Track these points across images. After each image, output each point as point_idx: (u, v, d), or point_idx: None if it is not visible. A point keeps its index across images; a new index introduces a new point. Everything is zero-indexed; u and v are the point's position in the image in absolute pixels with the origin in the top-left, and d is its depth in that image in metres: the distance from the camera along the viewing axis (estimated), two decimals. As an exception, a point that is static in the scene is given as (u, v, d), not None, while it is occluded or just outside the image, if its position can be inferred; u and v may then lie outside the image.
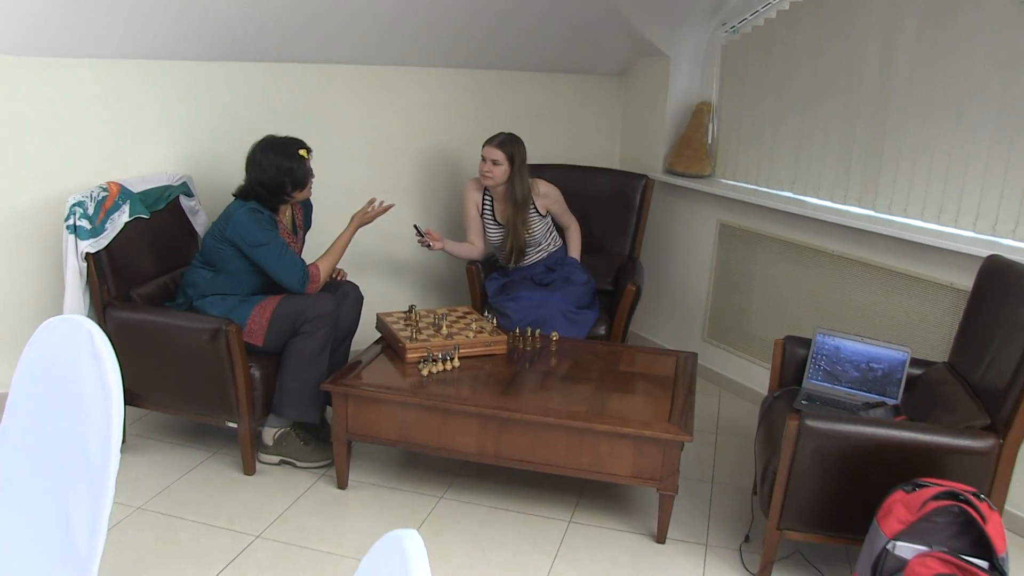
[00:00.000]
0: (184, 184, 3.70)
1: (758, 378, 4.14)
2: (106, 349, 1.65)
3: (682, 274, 4.57)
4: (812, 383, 3.11)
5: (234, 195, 3.33)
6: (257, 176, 3.25)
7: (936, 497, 2.16)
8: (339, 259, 3.47)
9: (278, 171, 3.24)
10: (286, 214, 3.45)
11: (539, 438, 2.93)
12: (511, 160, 3.84)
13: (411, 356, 3.27)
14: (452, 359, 3.26)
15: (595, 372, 3.31)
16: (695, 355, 3.52)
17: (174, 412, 3.40)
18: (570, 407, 2.95)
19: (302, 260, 3.30)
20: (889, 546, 2.19)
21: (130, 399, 3.40)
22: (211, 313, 3.26)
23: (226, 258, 3.28)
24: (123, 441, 3.45)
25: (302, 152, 3.29)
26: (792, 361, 3.19)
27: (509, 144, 3.85)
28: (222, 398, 3.21)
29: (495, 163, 3.84)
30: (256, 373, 3.24)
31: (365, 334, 3.72)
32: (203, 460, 3.42)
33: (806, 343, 3.17)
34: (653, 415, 2.93)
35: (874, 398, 2.98)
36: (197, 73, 3.77)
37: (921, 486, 2.23)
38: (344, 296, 3.46)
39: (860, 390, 3.03)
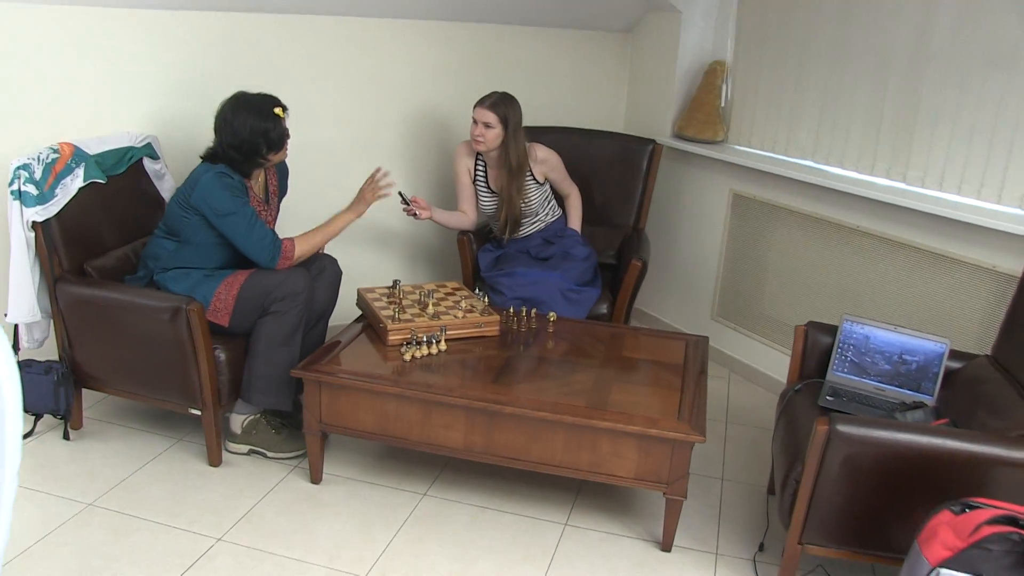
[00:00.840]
0: (148, 145, 3.37)
1: (772, 362, 3.84)
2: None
3: (691, 248, 4.25)
4: (838, 375, 2.80)
5: (202, 158, 3.00)
6: (228, 138, 2.92)
7: (991, 521, 1.86)
8: (326, 242, 3.15)
9: (252, 132, 2.91)
10: (259, 180, 3.12)
11: (533, 434, 2.63)
12: (504, 123, 3.51)
13: (393, 338, 2.97)
14: (438, 342, 2.95)
15: (596, 357, 3.00)
16: (706, 340, 3.21)
17: (133, 397, 3.11)
18: (568, 399, 2.65)
19: (273, 233, 2.97)
20: (933, 575, 1.89)
21: (86, 382, 3.11)
22: (172, 289, 2.95)
23: (191, 228, 2.96)
24: (80, 427, 3.20)
25: (277, 111, 2.96)
26: (815, 350, 2.88)
27: (502, 105, 3.51)
28: (183, 383, 2.91)
29: (487, 126, 3.50)
30: (222, 356, 2.93)
31: (346, 311, 3.41)
32: (166, 448, 3.12)
33: (831, 330, 2.86)
34: (661, 410, 2.62)
35: (907, 395, 2.68)
36: (163, 23, 3.41)
37: (972, 507, 1.93)
38: (320, 271, 3.14)
39: (891, 384, 2.73)
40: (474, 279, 3.78)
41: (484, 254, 3.75)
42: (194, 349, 2.84)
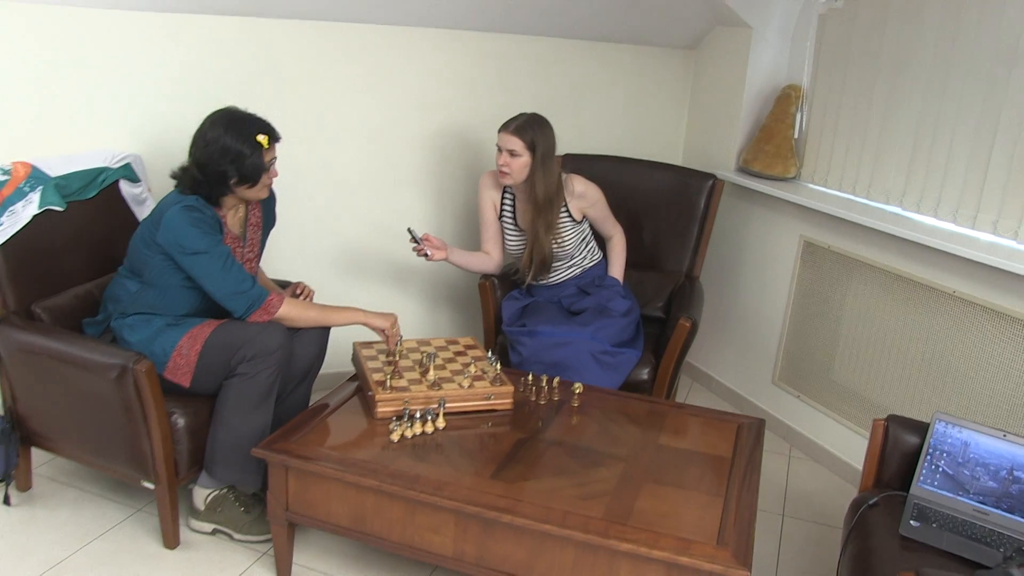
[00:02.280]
0: (127, 166, 2.95)
1: (841, 441, 3.26)
2: None
3: (753, 301, 3.68)
4: (925, 488, 2.23)
5: (173, 178, 2.56)
6: (197, 153, 2.49)
7: None
8: (320, 324, 2.70)
9: (222, 153, 2.46)
10: (236, 213, 2.67)
11: (537, 549, 2.11)
12: (532, 149, 3.01)
13: (382, 411, 2.48)
14: (435, 418, 2.45)
15: (626, 444, 2.47)
16: (762, 424, 2.65)
17: (81, 462, 2.68)
18: (583, 507, 2.12)
19: (251, 277, 2.51)
20: None
21: (32, 439, 2.69)
22: (127, 340, 2.51)
23: (155, 268, 2.52)
24: (29, 487, 2.78)
25: (261, 138, 2.50)
26: (897, 451, 2.32)
27: (529, 129, 3.00)
28: (134, 452, 2.47)
29: (512, 154, 3.00)
30: (180, 422, 2.48)
31: (344, 360, 2.94)
32: (120, 521, 2.69)
33: (918, 429, 2.29)
34: (697, 528, 2.08)
35: (1020, 522, 2.09)
36: (155, 27, 2.99)
37: None
38: (302, 328, 2.67)
39: (997, 507, 2.14)
40: (496, 332, 3.28)
41: (508, 303, 3.25)
42: (144, 415, 2.39)
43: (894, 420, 2.33)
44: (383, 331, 2.72)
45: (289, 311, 2.54)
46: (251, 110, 2.57)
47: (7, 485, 2.70)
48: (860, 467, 3.15)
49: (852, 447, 3.21)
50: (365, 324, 2.70)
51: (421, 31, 3.43)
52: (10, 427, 2.64)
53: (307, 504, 2.33)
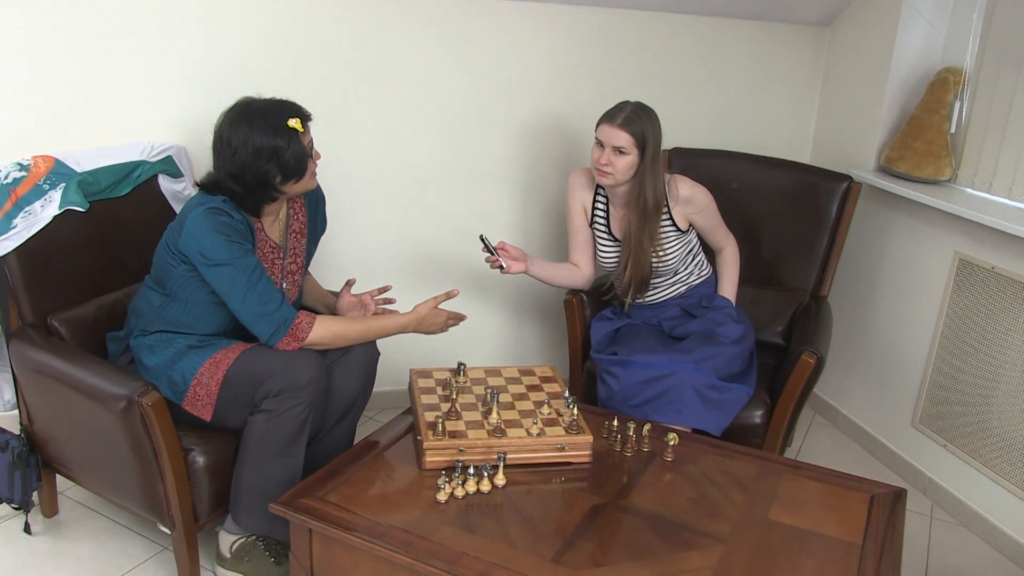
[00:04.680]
0: (167, 160, 2.63)
1: (997, 503, 2.69)
2: None
3: (892, 326, 3.11)
4: None
5: (198, 186, 2.20)
6: (227, 163, 2.11)
7: None
8: (365, 340, 2.31)
9: (256, 154, 2.08)
10: (278, 215, 2.29)
11: (604, 661, 1.66)
12: (641, 146, 2.53)
13: (431, 460, 2.07)
14: (492, 475, 2.03)
15: (728, 519, 1.98)
16: (902, 496, 2.12)
17: (98, 494, 2.36)
18: (666, 609, 1.66)
19: (280, 296, 2.13)
20: None
21: (51, 464, 2.41)
22: (145, 363, 2.18)
23: (178, 280, 2.18)
24: (55, 513, 2.51)
25: (293, 122, 2.11)
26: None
27: (639, 122, 2.52)
28: (147, 493, 2.15)
29: (619, 151, 2.53)
30: (200, 460, 2.14)
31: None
32: (144, 560, 2.39)
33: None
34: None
35: None
36: (197, 5, 2.66)
37: None
38: (345, 351, 2.28)
39: None
40: (584, 357, 2.83)
41: (599, 325, 2.79)
42: (155, 454, 2.05)
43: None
44: (442, 328, 2.38)
45: (323, 334, 2.15)
46: (274, 94, 2.19)
47: (27, 512, 2.42)
48: (1021, 540, 2.60)
49: (1012, 513, 2.63)
50: (417, 330, 2.31)
51: (508, 3, 2.98)
52: (27, 450, 2.36)
53: (334, 571, 1.94)
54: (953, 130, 2.93)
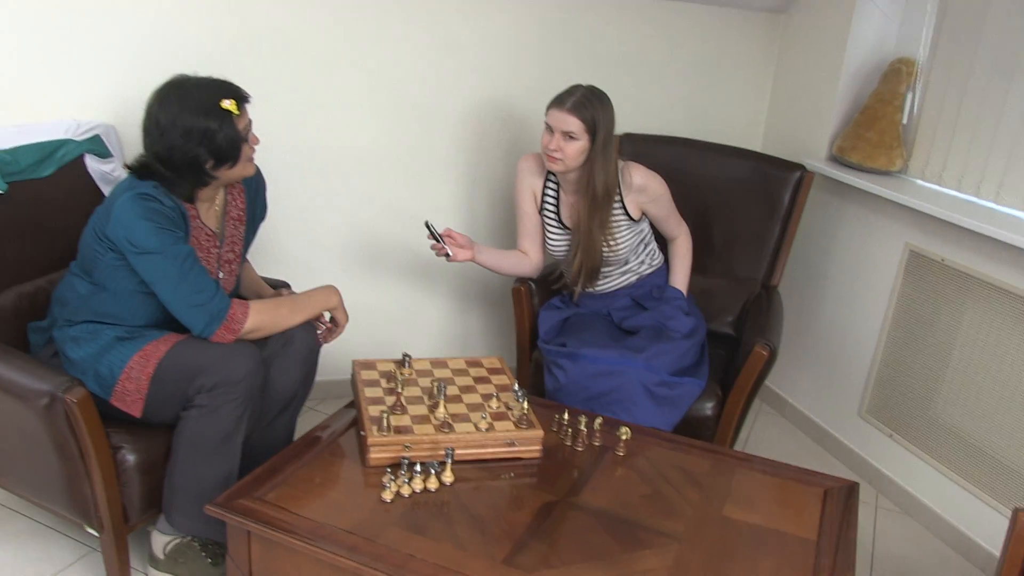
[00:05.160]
0: (96, 138, 2.48)
1: (941, 493, 2.70)
2: None
3: (841, 317, 3.10)
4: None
5: (128, 168, 2.07)
6: (155, 144, 1.98)
7: None
8: (300, 321, 2.17)
9: (186, 136, 1.96)
10: (214, 201, 2.17)
11: (557, 668, 1.60)
12: (592, 132, 2.46)
13: (375, 457, 1.98)
14: (440, 472, 1.95)
15: (682, 517, 1.93)
16: (855, 490, 2.09)
17: (18, 495, 2.22)
18: (621, 613, 1.61)
19: (214, 285, 2.02)
20: None
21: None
22: (70, 356, 2.05)
23: (106, 268, 2.04)
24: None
25: (227, 104, 1.99)
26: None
27: (590, 106, 2.45)
28: (72, 495, 2.02)
29: (568, 137, 2.46)
30: (130, 458, 2.02)
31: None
32: (70, 563, 2.26)
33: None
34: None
35: None
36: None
37: None
38: (285, 343, 2.17)
39: None
40: (531, 347, 2.76)
41: (547, 313, 2.72)
42: (81, 453, 1.93)
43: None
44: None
45: (259, 321, 2.04)
46: (212, 73, 2.05)
47: (-62, 515, 2.28)
48: (962, 528, 2.61)
49: (955, 503, 2.64)
50: (340, 305, 2.26)
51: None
52: (-61, 448, 2.20)
53: (275, 575, 1.84)
54: (905, 121, 2.91)
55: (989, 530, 2.53)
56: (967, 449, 2.60)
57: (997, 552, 2.49)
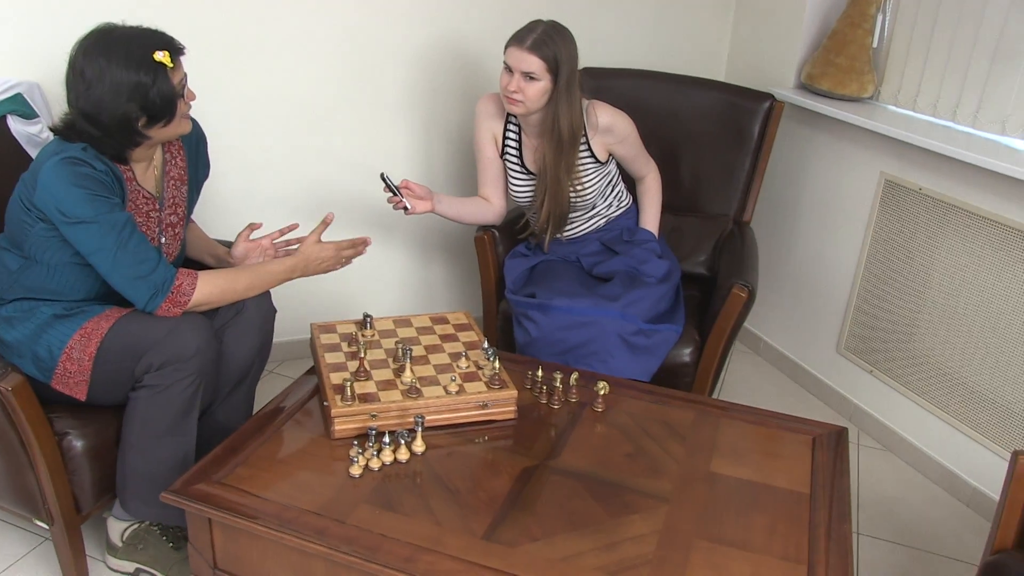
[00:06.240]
0: (17, 97, 2.29)
1: (922, 427, 2.66)
2: None
3: (816, 251, 3.01)
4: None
5: (53, 131, 1.89)
6: (80, 100, 1.80)
7: None
8: (253, 292, 2.00)
9: (115, 91, 1.78)
10: (151, 161, 2.00)
11: (546, 644, 1.51)
12: (554, 72, 2.31)
13: (340, 429, 1.87)
14: (410, 442, 1.84)
15: (668, 475, 1.84)
16: (844, 435, 2.02)
17: (-39, 489, 2.08)
18: (612, 583, 1.52)
19: (156, 255, 1.86)
20: None
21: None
22: (3, 338, 1.89)
23: (37, 240, 1.88)
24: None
25: (160, 56, 1.81)
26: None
27: (551, 44, 2.30)
28: (17, 488, 1.88)
29: (529, 77, 2.31)
30: (77, 444, 1.88)
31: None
32: (22, 555, 2.13)
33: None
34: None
35: None
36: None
37: None
38: (237, 312, 2.03)
39: None
40: (498, 298, 2.64)
41: (513, 262, 2.60)
42: (23, 443, 1.79)
43: (1037, 449, 1.69)
44: (337, 261, 2.16)
45: (209, 293, 1.89)
46: (141, 22, 1.87)
47: None
48: (947, 463, 2.57)
49: (935, 436, 2.61)
50: (308, 272, 2.10)
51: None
52: None
53: (240, 562, 1.73)
54: (876, 44, 2.80)
55: (973, 464, 2.49)
56: (948, 382, 2.55)
57: (982, 486, 2.46)
